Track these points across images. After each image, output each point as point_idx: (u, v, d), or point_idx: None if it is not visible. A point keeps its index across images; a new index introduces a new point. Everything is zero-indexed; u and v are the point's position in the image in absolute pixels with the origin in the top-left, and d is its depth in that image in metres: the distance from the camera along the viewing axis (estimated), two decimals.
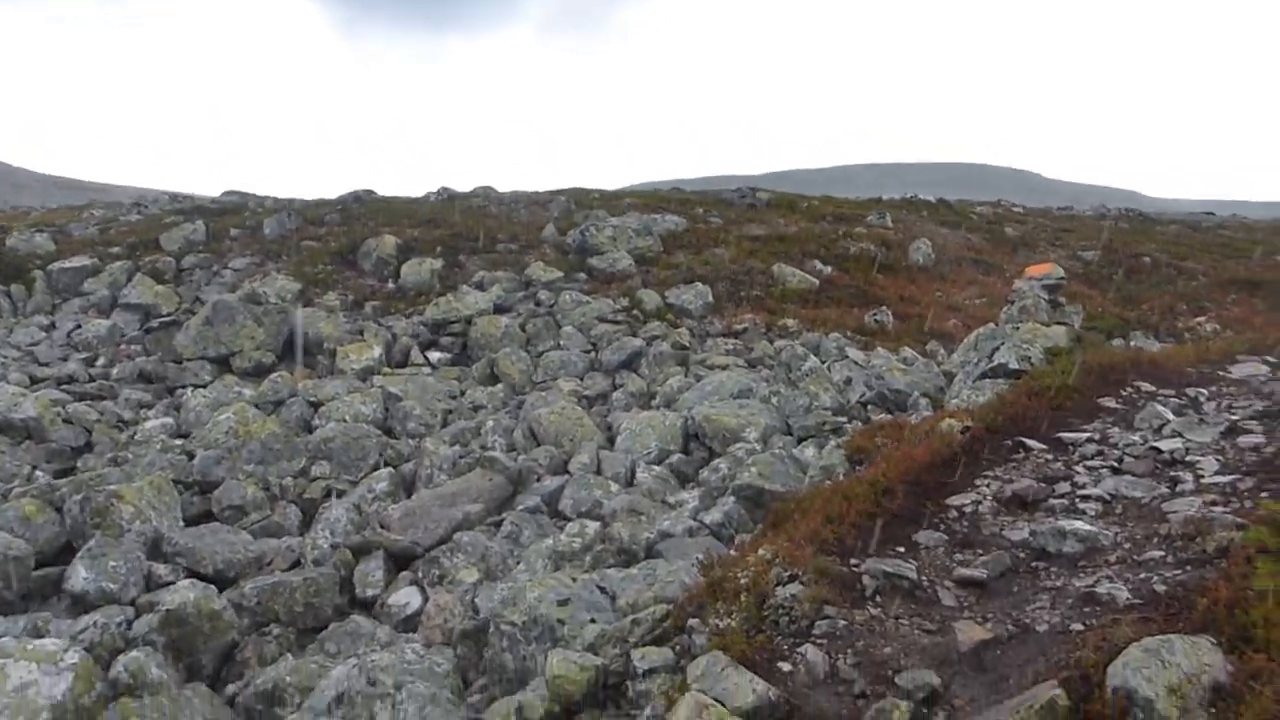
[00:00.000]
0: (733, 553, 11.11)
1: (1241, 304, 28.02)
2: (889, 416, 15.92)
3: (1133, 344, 23.37)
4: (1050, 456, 10.22)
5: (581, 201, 32.49)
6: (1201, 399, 12.46)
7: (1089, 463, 9.89)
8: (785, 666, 6.83)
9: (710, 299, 23.23)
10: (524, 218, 30.34)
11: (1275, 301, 28.23)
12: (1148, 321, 26.54)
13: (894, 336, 21.66)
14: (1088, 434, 10.76)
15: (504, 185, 36.72)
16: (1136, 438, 10.50)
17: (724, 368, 19.53)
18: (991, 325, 17.50)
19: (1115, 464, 9.75)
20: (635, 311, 22.52)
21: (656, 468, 15.28)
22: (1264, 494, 8.32)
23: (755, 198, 34.98)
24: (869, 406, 16.90)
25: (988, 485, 9.41)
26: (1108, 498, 8.94)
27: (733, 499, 13.26)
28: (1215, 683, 5.70)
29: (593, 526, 12.70)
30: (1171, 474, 9.29)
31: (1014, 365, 14.03)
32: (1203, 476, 9.04)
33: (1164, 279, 30.59)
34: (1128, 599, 6.92)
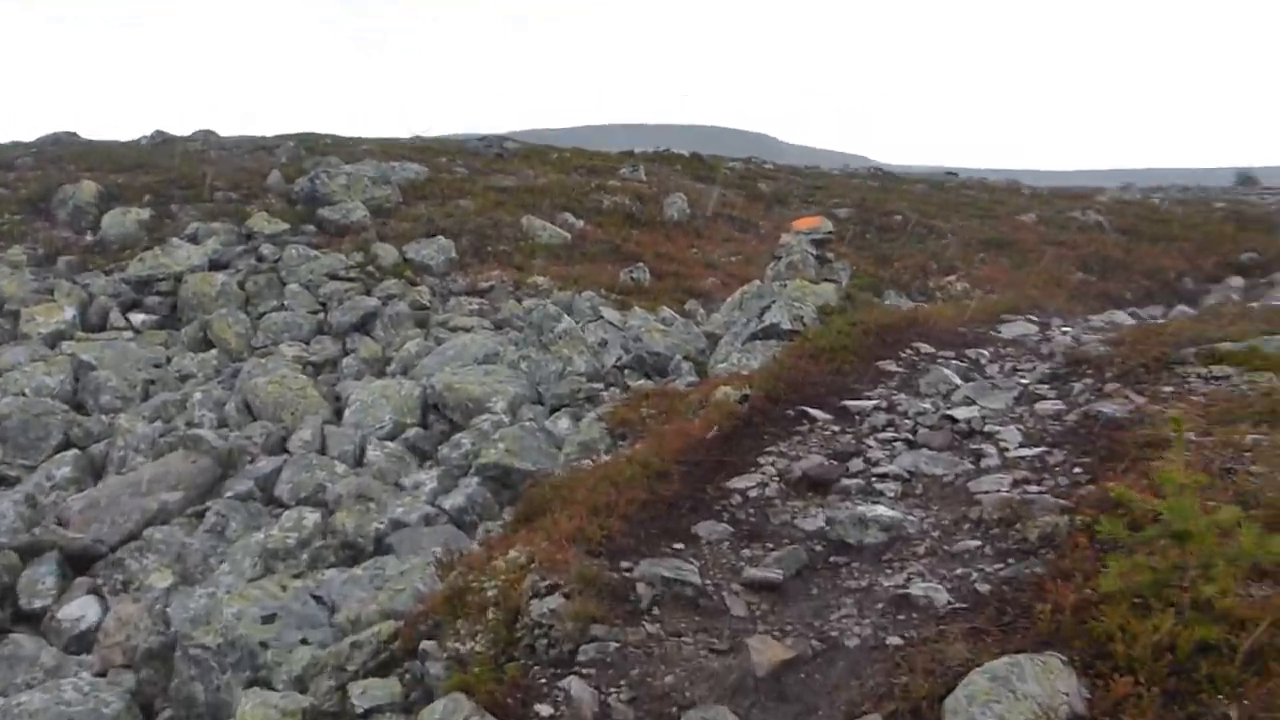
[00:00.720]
0: (476, 545, 9.69)
1: (990, 263, 28.38)
2: (650, 382, 14.77)
3: (887, 303, 23.14)
4: (838, 428, 9.22)
5: (313, 147, 29.97)
6: (983, 360, 11.83)
7: (881, 435, 8.94)
8: (544, 709, 5.46)
9: (454, 254, 21.47)
10: (247, 164, 27.63)
11: (1021, 260, 28.76)
12: (900, 280, 26.48)
13: (652, 295, 20.52)
14: (874, 401, 9.84)
15: (228, 130, 33.73)
16: (927, 405, 9.64)
17: (468, 330, 17.93)
18: (757, 282, 16.64)
19: (909, 436, 8.84)
20: (370, 268, 20.54)
21: (390, 444, 13.63)
22: (1077, 469, 7.52)
23: (503, 147, 33.31)
24: (627, 371, 15.72)
25: (773, 464, 8.30)
26: (906, 475, 7.98)
27: (476, 480, 11.81)
28: (1073, 715, 4.69)
29: (313, 517, 10.99)
30: (972, 446, 8.43)
31: (787, 325, 13.10)
32: (1007, 449, 8.20)
33: (915, 238, 30.76)
34: (948, 602, 5.89)
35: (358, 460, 13.35)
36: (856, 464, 8.25)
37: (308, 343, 18.21)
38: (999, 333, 14.26)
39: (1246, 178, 66.42)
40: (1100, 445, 7.80)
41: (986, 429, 8.80)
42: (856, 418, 9.47)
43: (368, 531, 10.78)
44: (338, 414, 15.02)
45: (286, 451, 13.64)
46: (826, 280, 15.94)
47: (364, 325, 18.57)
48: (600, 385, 14.64)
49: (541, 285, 20.27)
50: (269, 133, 34.23)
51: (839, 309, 14.30)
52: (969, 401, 9.63)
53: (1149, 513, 5.48)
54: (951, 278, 27.04)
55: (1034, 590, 5.69)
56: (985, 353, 12.13)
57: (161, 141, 31.74)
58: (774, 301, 13.59)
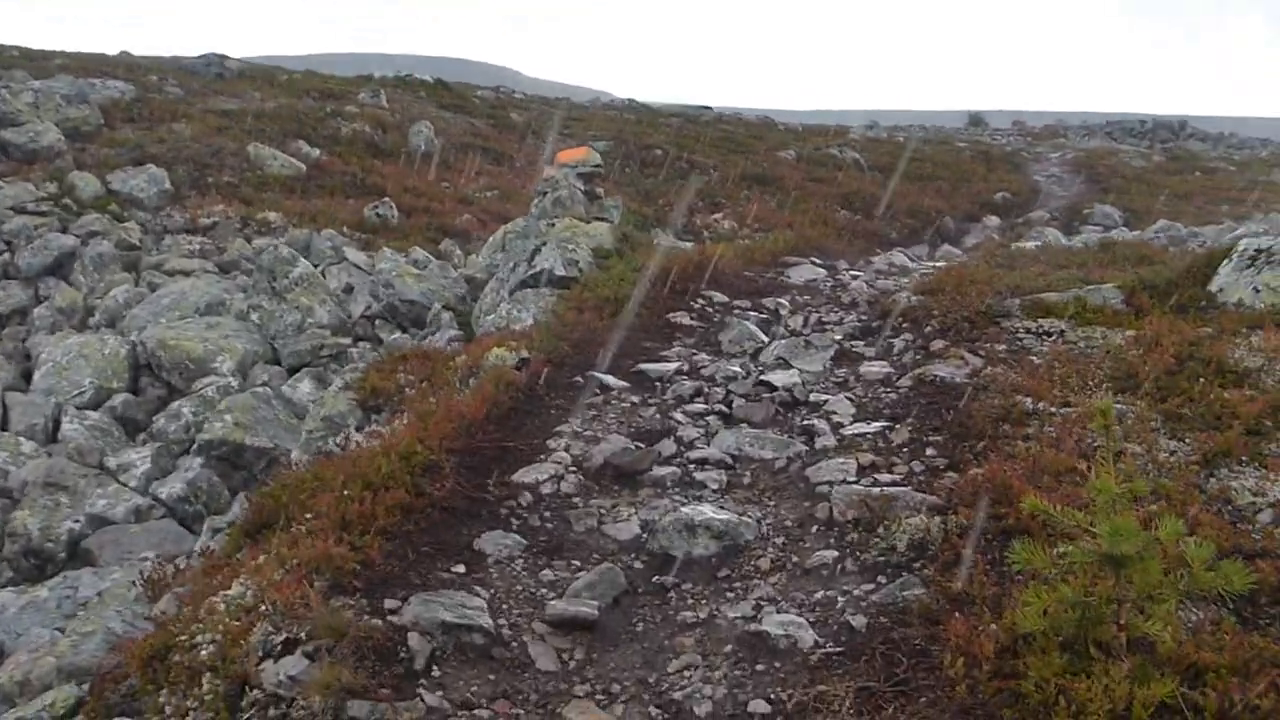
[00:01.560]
0: (197, 552, 7.97)
1: (754, 200, 27.73)
2: (405, 336, 13.13)
3: (656, 242, 22.10)
4: (637, 398, 7.93)
5: None
6: (783, 311, 10.80)
7: (689, 407, 7.70)
8: None
9: (168, 185, 18.87)
10: None
11: (785, 197, 28.24)
12: (666, 217, 25.49)
13: (401, 234, 18.67)
14: (675, 364, 8.61)
15: None
16: (736, 367, 8.47)
17: (188, 274, 15.73)
18: (521, 221, 15.14)
19: (724, 408, 7.63)
20: (66, 200, 17.83)
21: (93, 414, 11.53)
22: (929, 450, 6.47)
23: (224, 67, 30.33)
24: (378, 322, 14.00)
25: (566, 448, 6.92)
26: (730, 461, 6.77)
27: (199, 460, 9.99)
28: None
29: None
30: (800, 421, 7.29)
31: (561, 271, 11.71)
32: (841, 425, 7.10)
33: (677, 173, 29.83)
34: (816, 643, 4.69)
35: (50, 436, 11.22)
36: (667, 446, 6.96)
37: None
38: (788, 277, 13.36)
39: (977, 119, 69.81)
40: (949, 420, 6.79)
41: (811, 398, 7.68)
42: (657, 385, 8.20)
43: (58, 533, 8.84)
44: (26, 377, 12.75)
45: None
46: (598, 219, 14.59)
47: (60, 268, 16.07)
48: (347, 340, 12.89)
49: (274, 222, 18.13)
50: None
51: (616, 251, 13.00)
52: (783, 364, 8.51)
53: (1063, 528, 4.42)
54: (718, 215, 26.26)
55: (924, 625, 4.56)
56: (783, 302, 11.11)
57: None
58: (544, 243, 12.14)
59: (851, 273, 14.12)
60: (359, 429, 8.58)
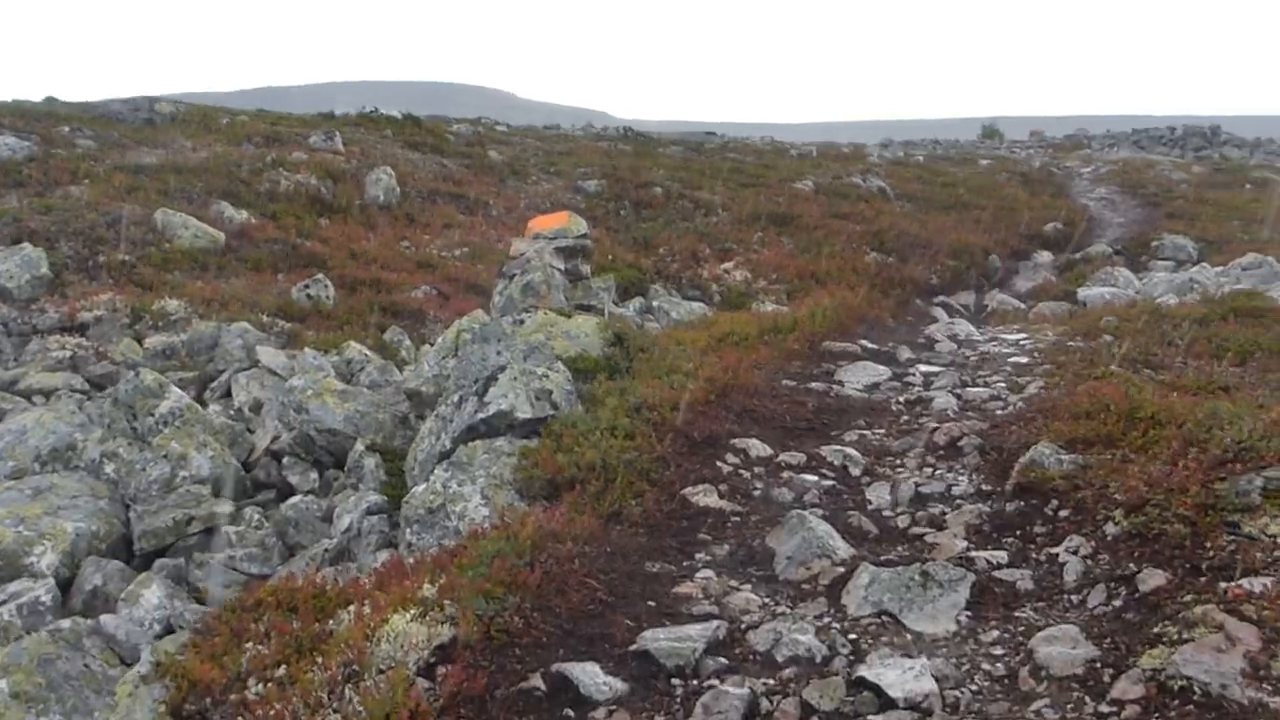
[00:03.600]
0: None
1: (770, 244, 24.44)
2: (313, 496, 9.76)
3: (655, 303, 18.81)
4: None
5: None
6: (853, 469, 7.50)
7: None
8: None
9: (45, 270, 15.59)
10: None
11: (807, 240, 24.96)
12: (667, 270, 22.19)
13: (338, 320, 15.33)
14: (702, 627, 5.18)
15: None
16: (808, 636, 5.05)
17: (49, 393, 12.36)
18: (480, 314, 11.82)
19: None
20: None
21: None
22: None
23: (154, 111, 27.03)
24: (286, 461, 10.63)
25: None
26: None
27: None
28: None
29: None
30: None
31: (525, 413, 8.32)
32: None
33: (679, 214, 26.54)
34: None
35: None
36: None
37: None
38: (841, 385, 10.13)
39: (992, 130, 67.64)
40: None
41: None
42: (676, 686, 4.79)
43: None
44: None
45: None
46: (582, 308, 11.30)
47: None
48: (228, 507, 9.45)
49: (174, 313, 14.73)
50: None
51: (606, 363, 9.67)
52: (890, 623, 5.12)
53: None
54: (729, 264, 22.97)
55: None
56: (850, 450, 7.76)
57: None
58: (502, 368, 8.73)
59: (923, 369, 10.89)
60: None
